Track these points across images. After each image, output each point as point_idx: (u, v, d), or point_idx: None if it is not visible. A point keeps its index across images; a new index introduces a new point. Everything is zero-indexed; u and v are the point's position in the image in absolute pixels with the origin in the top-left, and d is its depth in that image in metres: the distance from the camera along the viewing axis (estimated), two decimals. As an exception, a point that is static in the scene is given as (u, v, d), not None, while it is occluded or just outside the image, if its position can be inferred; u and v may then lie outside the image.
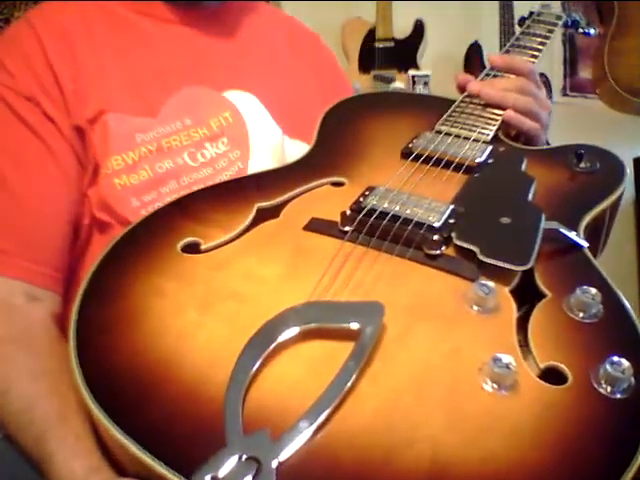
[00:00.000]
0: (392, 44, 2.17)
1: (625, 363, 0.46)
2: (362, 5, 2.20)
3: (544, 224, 0.60)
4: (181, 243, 0.58)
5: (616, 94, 2.07)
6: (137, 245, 0.59)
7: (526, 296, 0.55)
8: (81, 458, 0.50)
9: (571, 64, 2.27)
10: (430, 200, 0.63)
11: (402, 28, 2.19)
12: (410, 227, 0.59)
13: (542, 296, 0.55)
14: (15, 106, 0.72)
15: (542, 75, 2.15)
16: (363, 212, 0.60)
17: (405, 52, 2.17)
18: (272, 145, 0.84)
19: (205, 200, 0.66)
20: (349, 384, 0.45)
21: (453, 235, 0.58)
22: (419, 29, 2.20)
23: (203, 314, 0.51)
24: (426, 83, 2.04)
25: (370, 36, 2.18)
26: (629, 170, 0.71)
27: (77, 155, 0.74)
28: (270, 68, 0.89)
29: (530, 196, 0.66)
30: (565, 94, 2.27)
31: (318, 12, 2.10)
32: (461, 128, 0.76)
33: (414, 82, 2.04)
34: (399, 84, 2.08)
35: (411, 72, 2.09)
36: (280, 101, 0.87)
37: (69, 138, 0.74)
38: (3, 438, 0.58)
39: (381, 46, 2.16)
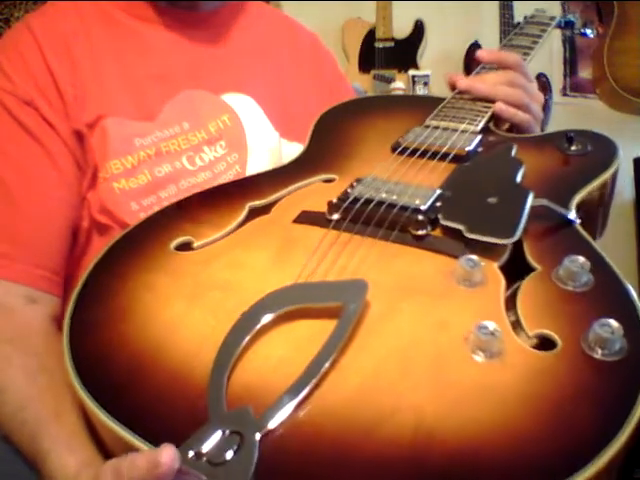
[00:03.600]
0: (392, 44, 2.17)
1: (614, 324, 0.46)
2: (362, 5, 2.20)
3: (533, 201, 0.60)
4: (174, 242, 0.59)
5: (616, 94, 2.07)
6: (132, 246, 0.60)
7: (520, 275, 0.55)
8: (75, 453, 0.50)
9: (571, 64, 2.27)
10: (416, 186, 0.63)
11: (402, 28, 2.19)
12: (395, 211, 0.59)
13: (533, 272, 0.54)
14: (14, 111, 0.73)
15: (542, 75, 2.15)
16: (349, 200, 0.61)
17: (405, 52, 2.17)
18: (269, 148, 0.84)
19: (199, 202, 0.67)
20: (331, 359, 0.45)
21: (439, 217, 0.59)
22: (419, 29, 2.20)
23: (191, 304, 0.52)
24: (426, 83, 2.04)
25: (370, 36, 2.18)
26: (620, 156, 0.70)
27: (76, 159, 0.74)
28: (268, 70, 0.89)
29: (519, 179, 0.66)
30: (565, 94, 2.27)
31: (318, 12, 2.10)
32: (450, 121, 0.77)
33: (414, 82, 2.04)
34: (399, 84, 2.08)
35: (411, 72, 2.09)
36: (278, 103, 0.87)
37: (68, 142, 0.74)
38: (2, 437, 0.58)
39: (381, 46, 2.16)
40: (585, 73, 2.26)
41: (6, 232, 0.71)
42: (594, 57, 2.16)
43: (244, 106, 0.84)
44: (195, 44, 0.83)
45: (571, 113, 2.18)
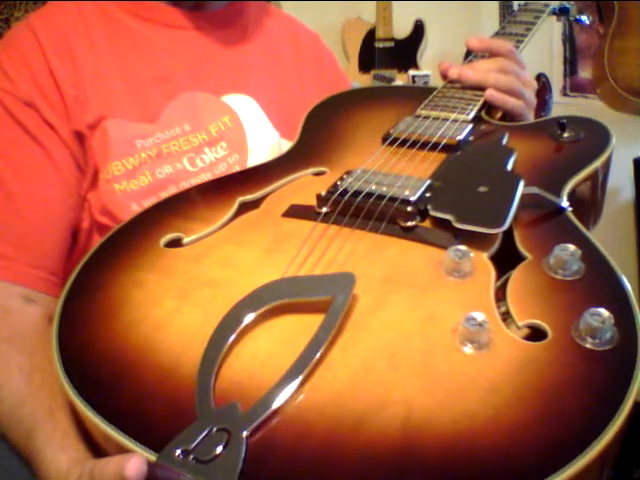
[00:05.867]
0: (392, 44, 2.17)
1: (605, 313, 0.45)
2: (362, 5, 2.20)
3: (524, 189, 0.59)
4: (164, 239, 0.59)
5: (616, 94, 2.06)
6: (122, 243, 0.60)
7: (511, 266, 0.54)
8: (67, 451, 0.50)
9: (571, 64, 2.27)
10: (406, 177, 0.63)
11: (402, 28, 2.19)
12: (384, 202, 0.59)
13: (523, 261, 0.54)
14: (14, 111, 0.73)
15: (542, 75, 2.15)
16: (337, 192, 0.61)
17: (405, 52, 2.17)
18: (270, 148, 0.84)
19: (189, 198, 0.67)
20: (319, 353, 0.45)
21: (429, 207, 0.58)
22: (419, 29, 2.20)
23: (180, 302, 0.52)
24: (426, 83, 2.04)
25: (370, 36, 2.18)
26: (613, 142, 0.69)
27: (76, 160, 0.74)
28: (270, 70, 0.89)
29: (509, 166, 0.65)
30: (565, 94, 2.27)
31: (318, 12, 2.10)
32: (441, 110, 0.76)
33: (414, 82, 2.04)
34: (399, 84, 2.08)
35: (411, 72, 2.09)
36: (278, 103, 0.87)
37: (68, 143, 0.74)
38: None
39: (381, 46, 2.16)
40: (585, 73, 2.26)
41: (5, 232, 0.71)
42: (594, 57, 2.16)
43: (245, 107, 0.84)
44: (196, 45, 0.83)
45: (571, 113, 2.18)
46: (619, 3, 2.05)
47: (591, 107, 2.20)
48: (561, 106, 2.18)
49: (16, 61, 0.74)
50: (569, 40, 2.25)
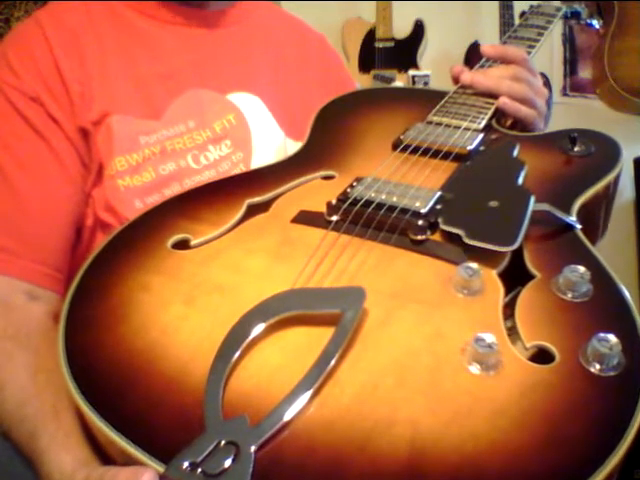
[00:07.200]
0: (392, 44, 2.17)
1: (612, 339, 0.45)
2: (362, 5, 2.20)
3: (534, 206, 0.59)
4: (171, 240, 0.58)
5: (616, 94, 2.07)
6: (128, 243, 0.59)
7: (518, 281, 0.54)
8: (71, 452, 0.50)
9: (571, 64, 2.27)
10: (417, 187, 0.62)
11: (402, 28, 2.19)
12: (395, 214, 0.58)
13: (532, 278, 0.54)
14: (19, 106, 0.73)
15: (542, 75, 2.15)
16: (348, 201, 0.60)
17: (405, 52, 2.17)
18: (274, 147, 0.84)
19: (197, 198, 0.66)
20: (328, 368, 0.44)
21: (439, 220, 0.58)
22: (419, 29, 2.20)
23: (187, 307, 0.51)
24: (426, 83, 2.04)
25: (370, 36, 2.18)
26: (623, 158, 0.69)
27: (81, 156, 0.74)
28: (276, 69, 0.89)
29: (520, 180, 0.65)
30: (565, 94, 2.27)
31: (318, 12, 2.10)
32: (452, 117, 0.75)
33: (414, 82, 2.04)
34: (399, 84, 2.08)
35: (411, 72, 2.09)
36: (284, 103, 0.87)
37: (73, 139, 0.74)
38: (0, 435, 0.58)
39: (381, 46, 2.16)
40: (585, 73, 2.26)
41: (9, 227, 0.71)
42: (594, 57, 2.16)
43: (250, 105, 0.84)
44: (202, 43, 0.83)
45: (571, 113, 2.18)
46: (619, 3, 2.05)
47: (591, 107, 2.20)
48: (561, 106, 2.18)
49: (23, 56, 0.74)
50: (569, 40, 2.26)
